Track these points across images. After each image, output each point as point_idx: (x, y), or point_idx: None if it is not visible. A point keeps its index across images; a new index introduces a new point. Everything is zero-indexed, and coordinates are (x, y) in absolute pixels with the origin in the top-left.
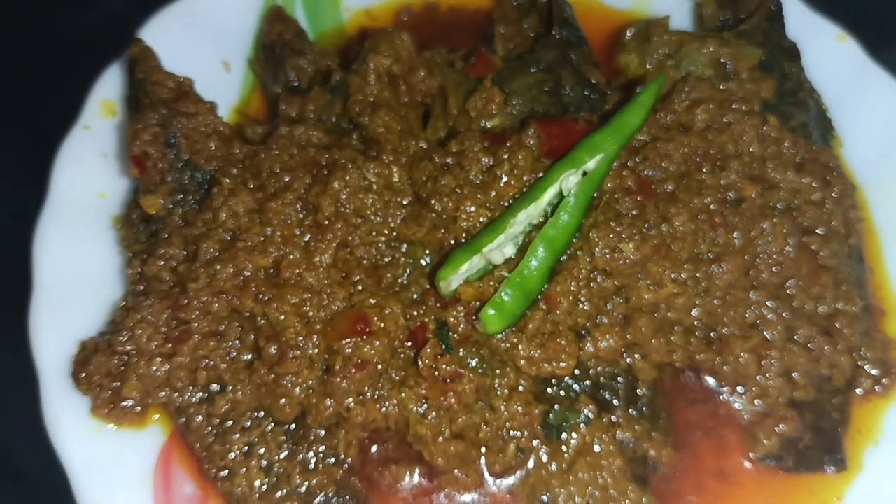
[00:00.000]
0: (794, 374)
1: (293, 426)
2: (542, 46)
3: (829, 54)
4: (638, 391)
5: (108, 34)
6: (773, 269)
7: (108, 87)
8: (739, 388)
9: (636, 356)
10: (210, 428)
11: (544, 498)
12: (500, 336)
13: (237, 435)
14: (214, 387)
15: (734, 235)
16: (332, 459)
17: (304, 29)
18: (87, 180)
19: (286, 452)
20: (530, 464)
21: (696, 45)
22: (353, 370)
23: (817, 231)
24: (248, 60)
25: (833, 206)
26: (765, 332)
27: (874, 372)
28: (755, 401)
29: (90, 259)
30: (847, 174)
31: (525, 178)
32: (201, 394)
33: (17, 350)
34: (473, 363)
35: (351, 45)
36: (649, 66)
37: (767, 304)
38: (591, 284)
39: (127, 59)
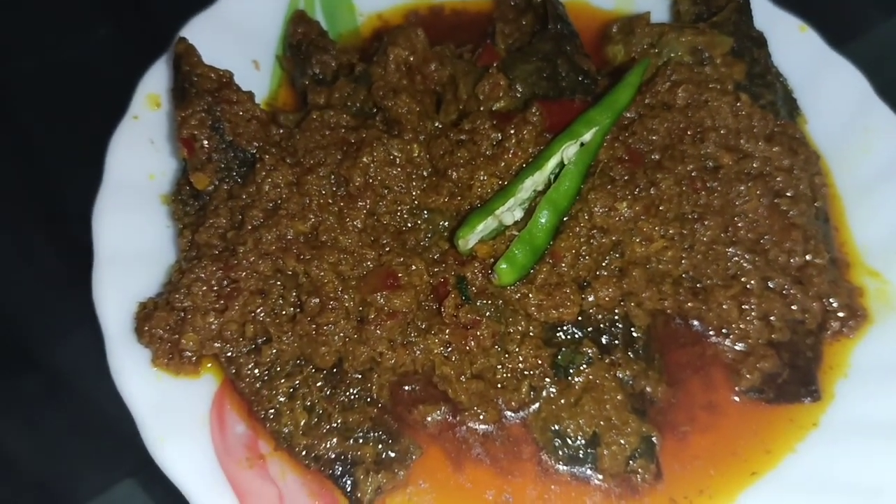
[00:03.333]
0: (771, 318)
1: (332, 372)
2: (539, 39)
3: (791, 43)
4: (634, 335)
5: (152, 35)
6: (750, 226)
7: (154, 82)
8: (724, 332)
9: (632, 304)
10: (257, 375)
11: (555, 427)
12: (512, 288)
13: (282, 380)
14: (260, 339)
15: (714, 198)
16: (367, 400)
17: (325, 30)
18: (137, 164)
19: (326, 395)
20: (542, 400)
21: (675, 35)
22: (385, 319)
23: (787, 194)
24: (277, 57)
25: (800, 172)
26: (744, 282)
27: (842, 315)
28: (738, 342)
29: (143, 232)
30: (812, 146)
31: (530, 150)
32: (249, 345)
33: (83, 313)
34: (490, 312)
35: (367, 45)
36: (634, 55)
37: (745, 257)
38: (591, 241)
39: (172, 55)
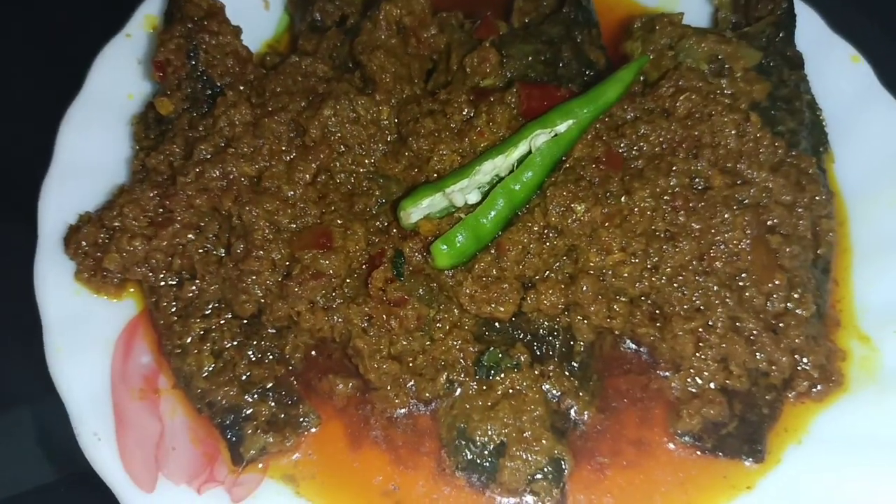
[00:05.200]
0: (730, 363)
1: (248, 322)
2: (549, 21)
3: (839, 72)
4: (574, 349)
5: None
6: (728, 258)
7: (154, 4)
8: (675, 366)
9: (577, 317)
10: (175, 309)
11: (462, 426)
12: (448, 273)
13: (197, 320)
14: (186, 274)
15: (694, 219)
16: (277, 359)
17: None
18: (119, 81)
19: (237, 343)
20: (457, 396)
21: (696, 39)
22: (309, 279)
23: (781, 231)
24: (285, 1)
25: (803, 211)
26: (708, 316)
27: (814, 375)
28: (688, 380)
29: (106, 148)
30: (830, 189)
31: (500, 133)
32: (173, 278)
33: (26, 215)
34: (420, 293)
35: None
36: (651, 55)
37: (716, 290)
38: (543, 240)
39: None
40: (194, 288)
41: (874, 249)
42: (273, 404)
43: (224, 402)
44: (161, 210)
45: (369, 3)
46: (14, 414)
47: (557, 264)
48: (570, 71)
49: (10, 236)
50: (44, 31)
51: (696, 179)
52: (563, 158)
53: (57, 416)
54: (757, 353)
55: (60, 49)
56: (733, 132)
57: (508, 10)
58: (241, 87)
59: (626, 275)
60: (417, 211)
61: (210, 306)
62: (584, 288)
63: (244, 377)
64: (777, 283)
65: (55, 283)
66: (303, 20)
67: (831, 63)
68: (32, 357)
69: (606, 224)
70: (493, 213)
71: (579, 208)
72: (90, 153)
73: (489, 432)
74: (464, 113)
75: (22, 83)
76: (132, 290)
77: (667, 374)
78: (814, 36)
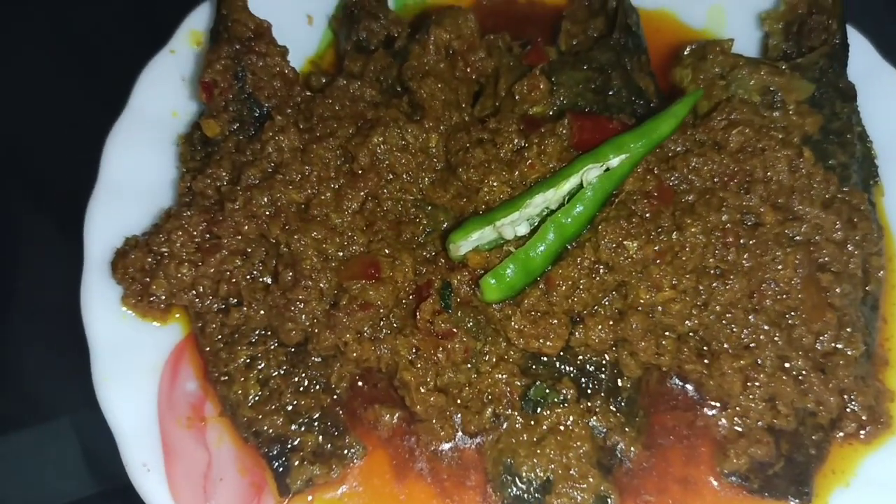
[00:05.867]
0: (777, 402)
1: (295, 350)
2: (598, 47)
3: (889, 101)
4: (620, 385)
5: None
6: (778, 296)
7: (199, 20)
8: (722, 404)
9: (624, 352)
10: (221, 336)
11: (509, 462)
12: (496, 306)
13: (243, 347)
14: (232, 300)
15: (745, 257)
16: (323, 388)
17: None
18: (164, 98)
19: (283, 372)
20: (503, 430)
21: (749, 70)
22: (357, 310)
23: (832, 269)
24: (329, 18)
25: (854, 249)
26: (757, 355)
27: (862, 417)
28: (735, 419)
29: (151, 168)
30: (880, 223)
31: (550, 165)
32: (220, 304)
33: (71, 236)
34: (468, 326)
35: (426, 15)
36: (700, 83)
37: (765, 328)
38: (593, 275)
39: None
40: (240, 315)
41: None
42: (319, 435)
43: (270, 431)
44: (208, 236)
45: (416, 23)
46: (55, 425)
47: (606, 299)
48: (619, 99)
49: (55, 257)
50: (86, 46)
51: (747, 215)
52: (615, 192)
53: (97, 429)
54: (806, 393)
55: (104, 64)
56: (786, 168)
57: (556, 30)
58: (289, 111)
59: (675, 312)
60: (467, 243)
61: (256, 333)
62: (634, 325)
63: (290, 406)
64: (827, 321)
65: (102, 307)
66: (348, 39)
67: (882, 92)
68: (73, 368)
69: (658, 261)
70: (543, 248)
71: (632, 246)
72: (135, 173)
73: (535, 468)
74: (514, 143)
75: (65, 99)
76: (178, 314)
77: (712, 411)
78: (865, 64)
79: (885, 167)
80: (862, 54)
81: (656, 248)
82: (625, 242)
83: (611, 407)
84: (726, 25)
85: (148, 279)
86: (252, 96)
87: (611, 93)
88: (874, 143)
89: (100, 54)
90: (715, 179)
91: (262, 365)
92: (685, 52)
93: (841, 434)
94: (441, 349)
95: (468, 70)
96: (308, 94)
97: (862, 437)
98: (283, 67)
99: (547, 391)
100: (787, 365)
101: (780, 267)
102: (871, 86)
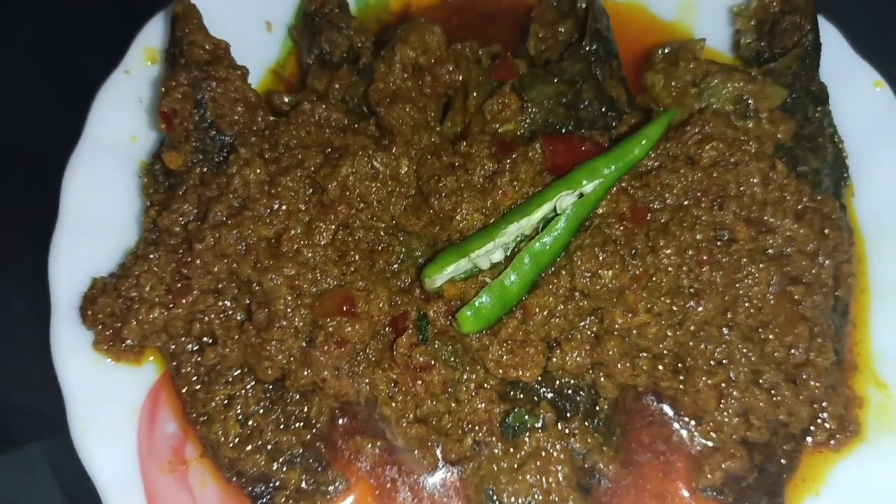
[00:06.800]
0: (751, 416)
1: (273, 386)
2: (569, 57)
3: (860, 99)
4: (598, 406)
5: None
6: (751, 312)
7: (153, 35)
8: (696, 420)
9: (601, 374)
10: (197, 376)
11: (490, 489)
12: (473, 335)
13: (221, 386)
14: (207, 339)
15: (719, 274)
16: (303, 423)
17: (346, 1)
18: (121, 123)
19: (262, 409)
20: (484, 456)
21: (722, 78)
22: (333, 347)
23: (803, 280)
24: (288, 27)
25: (825, 258)
26: (731, 371)
27: (832, 426)
28: (709, 434)
29: (114, 200)
30: (850, 226)
31: (524, 191)
32: (194, 344)
33: (37, 277)
34: (446, 356)
35: (391, 23)
36: (673, 90)
37: (739, 345)
38: (569, 302)
39: (171, 13)
40: (216, 354)
41: (891, 291)
42: (302, 471)
43: (254, 470)
44: (178, 276)
45: (380, 35)
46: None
47: (583, 323)
48: (591, 112)
49: (20, 299)
50: (35, 69)
51: (721, 231)
52: (588, 217)
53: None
54: (778, 406)
55: (56, 88)
56: (759, 181)
57: (524, 31)
58: (253, 139)
59: (651, 335)
60: (441, 276)
61: (233, 371)
62: (611, 352)
63: (271, 444)
64: (798, 333)
65: (73, 353)
66: (310, 52)
67: (854, 89)
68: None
69: (633, 286)
70: (518, 277)
71: (607, 275)
72: (98, 207)
73: (517, 493)
74: (486, 168)
75: (19, 127)
76: (151, 355)
77: (687, 426)
78: (837, 59)
79: (855, 165)
80: (835, 49)
81: (633, 273)
82: (600, 271)
83: (589, 427)
84: (697, 17)
85: (119, 324)
86: (214, 125)
87: (582, 106)
88: (845, 141)
89: (52, 78)
90: (687, 195)
91: (241, 403)
92: (657, 57)
93: (812, 442)
94: (420, 382)
95: (436, 84)
96: (272, 118)
97: (832, 445)
98: (244, 92)
99: (525, 417)
100: (759, 380)
101: (753, 284)
102: (844, 83)
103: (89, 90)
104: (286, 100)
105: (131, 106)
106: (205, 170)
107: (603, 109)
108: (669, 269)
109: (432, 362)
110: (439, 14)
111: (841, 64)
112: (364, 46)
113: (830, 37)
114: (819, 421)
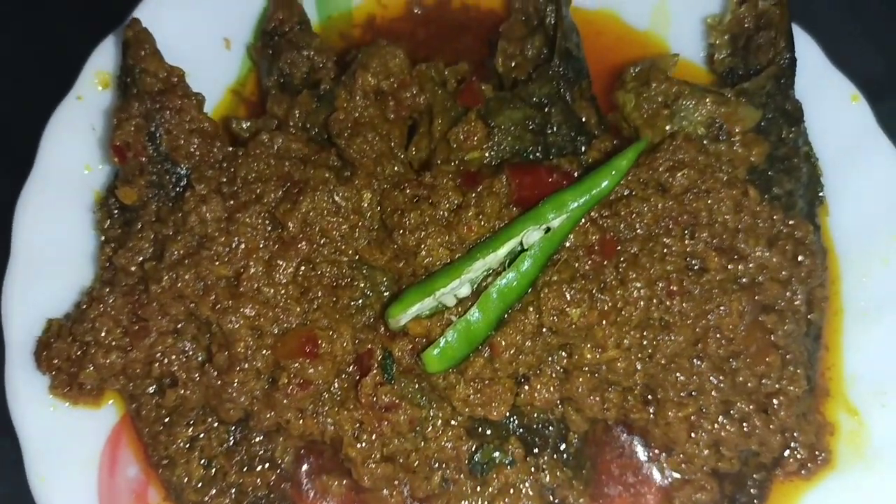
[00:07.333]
0: (721, 447)
1: (236, 427)
2: (537, 78)
3: (836, 113)
4: (567, 439)
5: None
6: (723, 342)
7: (105, 59)
8: (666, 451)
9: (570, 409)
10: (158, 418)
11: None
12: (440, 375)
13: (182, 428)
14: (167, 381)
15: (689, 306)
16: (268, 464)
17: (308, 19)
18: (74, 152)
19: (226, 450)
20: (452, 494)
21: (694, 101)
22: (296, 389)
23: (776, 308)
24: (247, 46)
25: (798, 285)
26: (701, 403)
27: (802, 455)
28: (680, 465)
29: (69, 233)
30: (824, 247)
31: (490, 225)
32: (154, 386)
33: None
34: (412, 394)
35: (355, 39)
36: (644, 112)
37: (709, 376)
38: (537, 338)
39: (122, 38)
40: (177, 396)
41: (866, 312)
42: None
43: None
44: (135, 318)
45: (343, 55)
46: None
47: (551, 358)
48: (560, 138)
49: None
50: None
51: (692, 260)
52: (556, 251)
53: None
54: (749, 436)
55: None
56: (731, 209)
57: (492, 45)
58: (210, 173)
59: (621, 370)
60: (406, 315)
61: (194, 413)
62: (580, 389)
63: (236, 486)
64: (770, 363)
65: (29, 399)
66: (269, 73)
67: (829, 103)
68: None
69: (602, 322)
70: (484, 315)
71: (575, 313)
72: (51, 244)
73: None
74: (451, 201)
75: None
76: (111, 401)
77: (658, 457)
78: (813, 71)
79: (830, 183)
80: (810, 60)
81: (601, 309)
82: (567, 309)
83: (558, 461)
84: (671, 27)
85: (75, 368)
86: (169, 157)
87: (551, 131)
88: (819, 158)
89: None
90: (658, 224)
91: (204, 444)
92: (628, 76)
93: (783, 471)
94: (385, 422)
95: (399, 108)
96: (230, 149)
97: (803, 474)
98: (200, 122)
99: (494, 453)
100: (730, 411)
101: (724, 314)
102: (819, 96)
103: (39, 117)
104: (245, 125)
105: (84, 134)
106: (160, 205)
107: (572, 134)
108: (640, 302)
109: (398, 401)
110: (405, 26)
111: (817, 76)
112: (326, 67)
113: (806, 48)
114: (789, 450)
